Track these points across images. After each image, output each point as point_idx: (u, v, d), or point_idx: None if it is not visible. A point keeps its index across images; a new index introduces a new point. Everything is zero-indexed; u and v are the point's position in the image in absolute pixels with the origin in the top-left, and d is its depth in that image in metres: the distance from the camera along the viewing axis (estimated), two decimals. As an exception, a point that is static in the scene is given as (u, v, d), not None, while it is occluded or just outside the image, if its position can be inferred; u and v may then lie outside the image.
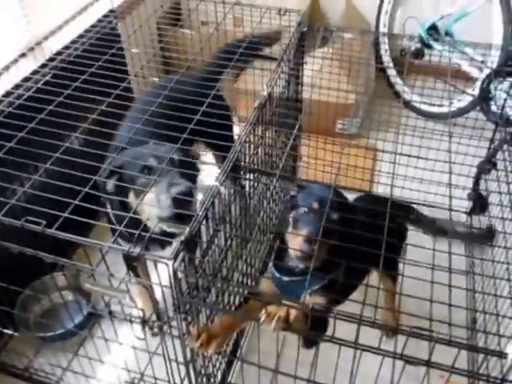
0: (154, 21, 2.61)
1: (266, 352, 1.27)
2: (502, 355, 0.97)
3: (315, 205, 1.28)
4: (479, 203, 2.21)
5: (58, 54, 1.79)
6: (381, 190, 2.35)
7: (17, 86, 1.65)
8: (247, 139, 1.36)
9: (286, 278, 1.39)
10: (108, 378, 1.66)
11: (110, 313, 1.20)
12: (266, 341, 1.24)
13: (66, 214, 1.10)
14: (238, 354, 1.66)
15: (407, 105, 2.80)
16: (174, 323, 1.20)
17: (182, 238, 1.04)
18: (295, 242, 1.26)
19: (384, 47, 2.80)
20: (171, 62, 1.98)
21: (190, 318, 1.14)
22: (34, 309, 1.91)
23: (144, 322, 1.17)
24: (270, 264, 1.49)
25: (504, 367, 1.10)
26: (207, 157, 2.00)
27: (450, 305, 1.09)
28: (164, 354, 1.28)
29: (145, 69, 1.85)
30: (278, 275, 1.41)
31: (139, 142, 1.40)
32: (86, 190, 1.17)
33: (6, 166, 1.30)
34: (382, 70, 2.96)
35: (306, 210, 1.28)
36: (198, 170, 1.45)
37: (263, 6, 1.93)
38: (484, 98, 2.45)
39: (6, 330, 1.61)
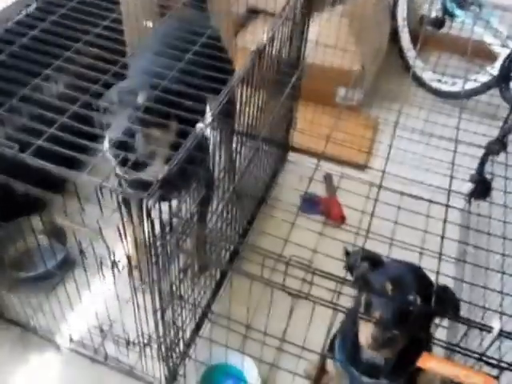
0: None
1: (237, 316, 1.28)
2: (486, 329, 0.96)
3: (389, 286, 1.13)
4: (482, 187, 2.20)
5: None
6: (377, 164, 2.35)
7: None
8: (240, 87, 1.35)
9: (367, 380, 1.22)
10: (78, 322, 1.68)
11: (81, 252, 1.21)
12: (239, 305, 1.26)
13: (40, 142, 1.10)
14: (209, 315, 1.68)
15: (418, 81, 2.76)
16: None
17: (159, 176, 1.04)
18: (366, 328, 1.12)
19: (401, 13, 2.72)
20: (167, 5, 1.94)
21: (161, 263, 1.15)
22: (9, 249, 1.92)
23: (113, 263, 1.18)
24: (336, 348, 1.31)
25: (485, 341, 1.11)
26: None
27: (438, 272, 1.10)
28: (133, 301, 1.29)
29: (138, 10, 1.81)
30: (353, 371, 1.25)
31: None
32: (64, 119, 1.16)
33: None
34: (394, 39, 2.90)
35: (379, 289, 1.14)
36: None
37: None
38: (504, 76, 2.41)
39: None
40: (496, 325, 0.95)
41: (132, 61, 1.51)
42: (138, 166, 1.17)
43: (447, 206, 1.38)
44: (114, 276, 1.23)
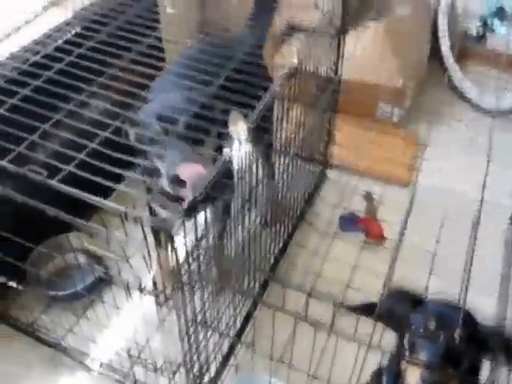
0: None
1: (267, 346, 1.25)
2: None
3: (432, 325, 1.08)
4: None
5: (91, 5, 1.81)
6: (419, 181, 2.27)
7: (46, 36, 1.68)
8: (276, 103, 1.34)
9: None
10: (108, 345, 1.70)
11: (107, 274, 1.22)
12: (268, 335, 1.23)
13: (70, 168, 1.12)
14: (241, 338, 1.66)
15: (459, 95, 2.68)
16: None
17: (186, 204, 1.03)
18: (411, 371, 1.07)
19: (443, 27, 2.66)
20: (207, 25, 1.96)
21: (185, 290, 1.14)
22: (45, 266, 1.95)
23: (140, 289, 1.18)
24: None
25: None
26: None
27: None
28: (160, 327, 1.29)
29: (178, 31, 1.84)
30: None
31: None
32: (94, 145, 1.18)
33: (26, 115, 1.32)
34: (437, 54, 2.84)
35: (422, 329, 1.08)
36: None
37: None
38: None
39: (16, 285, 1.68)
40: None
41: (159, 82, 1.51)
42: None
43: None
44: (141, 301, 1.23)
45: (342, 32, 1.89)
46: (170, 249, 1.02)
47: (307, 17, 2.46)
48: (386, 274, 1.23)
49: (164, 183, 1.21)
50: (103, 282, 1.82)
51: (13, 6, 1.81)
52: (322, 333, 1.24)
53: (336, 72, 1.97)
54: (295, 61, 1.40)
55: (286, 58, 2.05)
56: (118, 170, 1.12)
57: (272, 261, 1.87)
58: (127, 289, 1.24)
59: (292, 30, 2.64)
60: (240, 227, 1.50)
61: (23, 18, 1.67)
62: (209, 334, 1.38)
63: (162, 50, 1.75)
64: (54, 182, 1.08)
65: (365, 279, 1.81)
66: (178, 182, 1.18)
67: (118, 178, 1.16)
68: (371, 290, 1.70)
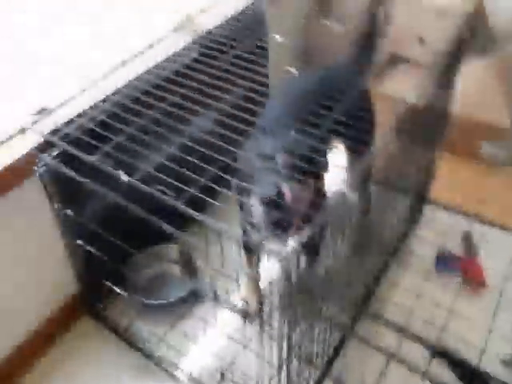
0: (303, 10, 2.63)
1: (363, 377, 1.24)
2: None
3: None
4: None
5: (209, 33, 1.89)
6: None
7: (167, 60, 1.78)
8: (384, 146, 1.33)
9: None
10: (199, 359, 1.73)
11: (215, 296, 1.25)
12: (365, 364, 1.22)
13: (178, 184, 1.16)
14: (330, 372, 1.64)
15: None
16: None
17: (303, 239, 1.04)
18: None
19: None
20: (312, 54, 1.99)
21: (292, 322, 1.15)
22: (142, 274, 2.00)
23: (246, 314, 1.20)
24: None
25: None
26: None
27: None
28: (258, 352, 1.30)
29: (284, 58, 1.88)
30: None
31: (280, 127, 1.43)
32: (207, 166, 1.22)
33: (148, 134, 1.40)
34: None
35: None
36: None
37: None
38: None
39: (115, 288, 1.76)
40: None
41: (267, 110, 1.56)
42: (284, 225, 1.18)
43: None
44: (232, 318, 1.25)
45: (448, 67, 1.85)
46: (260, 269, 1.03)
47: (412, 50, 2.43)
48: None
49: (255, 204, 1.22)
50: (196, 296, 1.88)
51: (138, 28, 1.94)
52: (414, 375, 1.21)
53: (447, 108, 1.93)
54: (409, 95, 1.38)
55: (397, 91, 2.04)
56: (215, 186, 1.16)
57: (364, 295, 1.84)
58: (220, 305, 1.26)
59: (397, 62, 2.62)
60: (331, 257, 1.50)
61: (146, 42, 1.78)
62: (301, 364, 1.38)
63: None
64: (165, 197, 1.13)
65: (459, 326, 1.75)
66: (272, 203, 1.18)
67: (213, 194, 1.21)
68: (466, 340, 1.64)
